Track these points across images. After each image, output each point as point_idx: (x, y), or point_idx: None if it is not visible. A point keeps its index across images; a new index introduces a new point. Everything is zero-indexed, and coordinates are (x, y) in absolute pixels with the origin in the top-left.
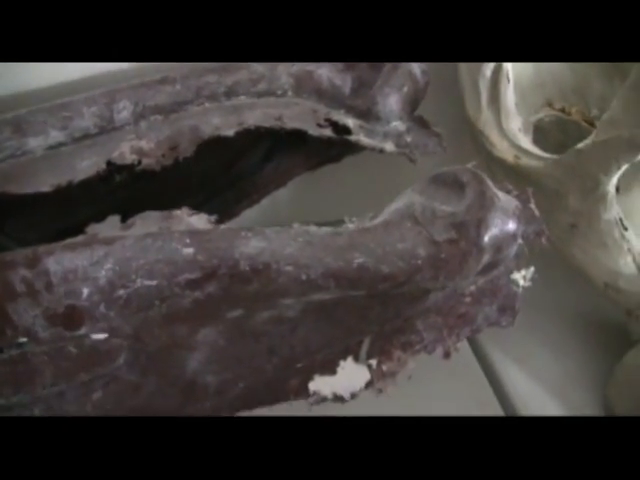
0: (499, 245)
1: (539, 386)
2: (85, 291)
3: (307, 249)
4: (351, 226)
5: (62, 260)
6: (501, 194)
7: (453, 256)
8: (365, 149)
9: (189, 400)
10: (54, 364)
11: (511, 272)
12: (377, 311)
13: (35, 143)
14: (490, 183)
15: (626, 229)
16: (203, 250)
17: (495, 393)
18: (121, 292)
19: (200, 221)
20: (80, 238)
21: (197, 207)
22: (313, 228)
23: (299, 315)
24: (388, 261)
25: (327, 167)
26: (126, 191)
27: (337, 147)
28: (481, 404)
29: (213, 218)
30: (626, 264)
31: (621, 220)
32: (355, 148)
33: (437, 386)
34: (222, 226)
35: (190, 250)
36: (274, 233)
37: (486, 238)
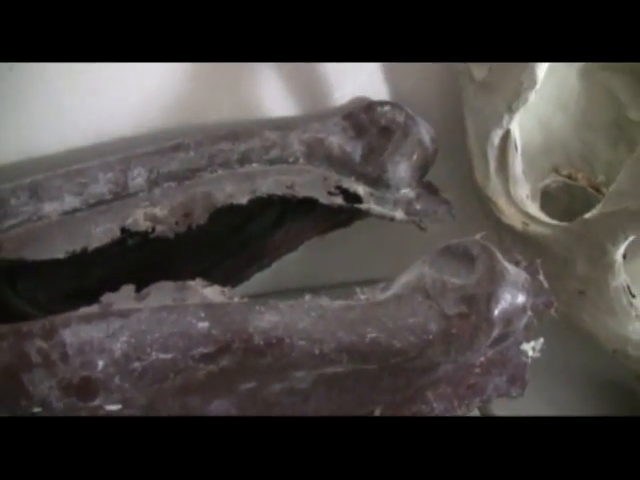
0: (509, 318)
1: None
2: (100, 363)
3: (320, 323)
4: (362, 297)
5: (78, 332)
6: (510, 267)
7: (464, 331)
8: (371, 216)
9: None
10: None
11: (520, 343)
12: (388, 382)
13: (50, 208)
14: (500, 256)
15: (634, 296)
16: (218, 324)
17: None
18: (136, 365)
19: (214, 293)
20: (95, 309)
21: (208, 270)
22: (326, 301)
23: (311, 386)
24: (400, 336)
25: (337, 231)
26: (138, 253)
27: (347, 212)
28: None
29: (227, 290)
30: (634, 330)
31: (628, 287)
32: (364, 213)
33: None
34: (236, 299)
35: (205, 324)
36: (287, 307)
37: (496, 312)
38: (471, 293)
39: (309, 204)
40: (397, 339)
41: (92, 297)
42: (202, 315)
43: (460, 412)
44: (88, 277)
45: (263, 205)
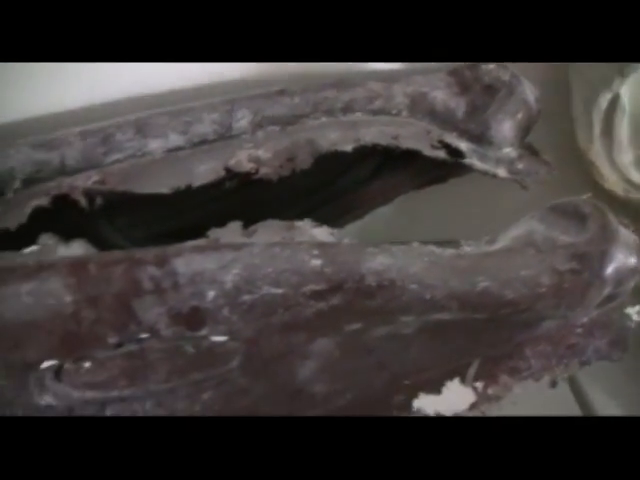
0: (620, 278)
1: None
2: (211, 294)
3: (433, 269)
4: (469, 249)
5: (191, 262)
6: (622, 229)
7: (576, 286)
8: (469, 173)
9: (295, 407)
10: (170, 362)
11: (625, 306)
12: (490, 334)
13: (155, 145)
14: (612, 216)
15: None
16: (331, 263)
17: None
18: (246, 297)
19: (323, 233)
20: (206, 241)
21: (301, 217)
22: (437, 248)
23: (414, 333)
24: (512, 287)
25: (430, 188)
26: (234, 197)
27: (445, 169)
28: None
29: (336, 231)
30: None
31: None
32: (461, 171)
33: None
34: (345, 240)
35: (318, 262)
36: (400, 251)
37: (609, 270)
38: (583, 250)
39: (408, 157)
40: (509, 290)
41: (187, 238)
42: (315, 253)
43: (557, 371)
44: (184, 219)
45: (362, 156)
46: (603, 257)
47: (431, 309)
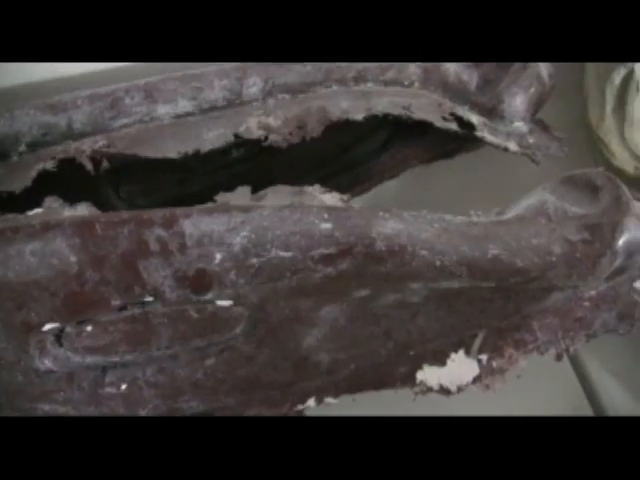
0: (631, 250)
1: (632, 395)
2: (218, 256)
3: (443, 235)
4: (479, 219)
5: (199, 223)
6: (634, 201)
7: (587, 256)
8: (479, 147)
9: (299, 376)
10: (173, 327)
11: (634, 280)
12: (498, 305)
13: (163, 110)
14: (625, 188)
15: None
16: (341, 226)
17: (587, 397)
18: (254, 261)
19: (333, 199)
20: (215, 204)
21: None
22: (447, 216)
23: (422, 301)
24: (523, 255)
25: (436, 163)
26: (241, 166)
27: (456, 142)
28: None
29: (346, 197)
30: None
31: None
32: (471, 145)
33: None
34: (356, 206)
35: (328, 225)
36: (411, 216)
37: (620, 242)
38: (596, 221)
39: (419, 129)
40: (519, 258)
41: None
42: (325, 216)
43: (563, 345)
44: (189, 187)
45: (372, 127)
46: (615, 228)
47: (441, 276)
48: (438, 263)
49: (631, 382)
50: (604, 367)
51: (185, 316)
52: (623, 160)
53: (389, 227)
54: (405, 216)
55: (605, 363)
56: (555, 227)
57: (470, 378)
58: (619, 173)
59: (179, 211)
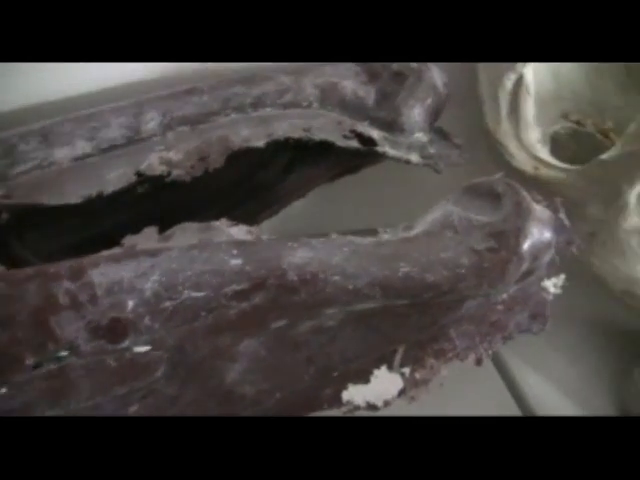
0: (536, 253)
1: (556, 390)
2: (130, 303)
3: (353, 259)
4: (387, 236)
5: (107, 272)
6: (536, 205)
7: (495, 265)
8: (382, 161)
9: (224, 410)
10: (92, 378)
11: (542, 280)
12: (414, 319)
13: (61, 154)
14: (525, 193)
15: None
16: (251, 261)
17: (513, 396)
18: (167, 304)
19: (240, 232)
20: (122, 250)
21: (218, 218)
22: (356, 238)
23: (339, 325)
24: (433, 270)
25: (344, 180)
26: (148, 202)
27: (358, 159)
28: (499, 406)
29: (254, 228)
30: None
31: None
32: (374, 160)
33: (455, 388)
34: (264, 237)
35: (238, 261)
36: (320, 243)
37: (525, 247)
38: (500, 229)
39: (321, 149)
40: (430, 273)
41: (100, 247)
42: (234, 252)
43: (482, 349)
44: (96, 228)
45: (274, 151)
46: (519, 234)
47: (355, 299)
48: (351, 287)
49: (550, 371)
50: (524, 361)
51: (103, 366)
52: (522, 161)
53: (298, 256)
54: (314, 243)
55: (524, 357)
56: (461, 239)
57: (395, 392)
58: (520, 174)
59: (86, 261)
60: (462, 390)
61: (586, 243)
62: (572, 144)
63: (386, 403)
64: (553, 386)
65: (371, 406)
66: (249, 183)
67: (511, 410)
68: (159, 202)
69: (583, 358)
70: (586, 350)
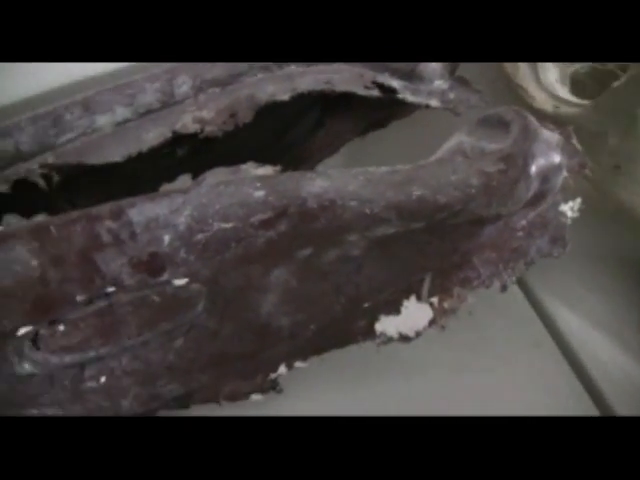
0: (545, 174)
1: (592, 327)
2: (166, 238)
3: (368, 185)
4: (401, 165)
5: (144, 210)
6: (544, 130)
7: (503, 183)
8: (408, 114)
9: (264, 344)
10: (138, 314)
11: (559, 204)
12: (435, 245)
13: (103, 120)
14: (533, 118)
15: None
16: (273, 192)
17: (550, 334)
18: (200, 236)
19: (266, 171)
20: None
21: None
22: (371, 167)
23: (363, 253)
24: (444, 192)
25: (374, 136)
26: (186, 165)
27: (383, 111)
28: (537, 344)
29: (278, 168)
30: None
31: None
32: (400, 112)
33: (493, 330)
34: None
35: (261, 193)
36: (337, 173)
37: (533, 167)
38: (508, 152)
39: (347, 103)
40: (442, 194)
41: None
42: (258, 185)
43: (506, 275)
44: (140, 193)
45: (303, 108)
46: (526, 154)
47: (373, 223)
48: (368, 211)
49: (585, 309)
50: (560, 301)
51: (148, 302)
52: (542, 101)
53: (317, 186)
54: (331, 173)
55: (560, 297)
56: (472, 162)
57: (426, 322)
58: (540, 115)
59: (124, 202)
60: (501, 330)
61: (612, 176)
62: (594, 84)
63: (417, 334)
64: (589, 323)
65: (403, 337)
66: (281, 141)
67: (550, 348)
68: (197, 164)
69: (617, 295)
70: (620, 287)
